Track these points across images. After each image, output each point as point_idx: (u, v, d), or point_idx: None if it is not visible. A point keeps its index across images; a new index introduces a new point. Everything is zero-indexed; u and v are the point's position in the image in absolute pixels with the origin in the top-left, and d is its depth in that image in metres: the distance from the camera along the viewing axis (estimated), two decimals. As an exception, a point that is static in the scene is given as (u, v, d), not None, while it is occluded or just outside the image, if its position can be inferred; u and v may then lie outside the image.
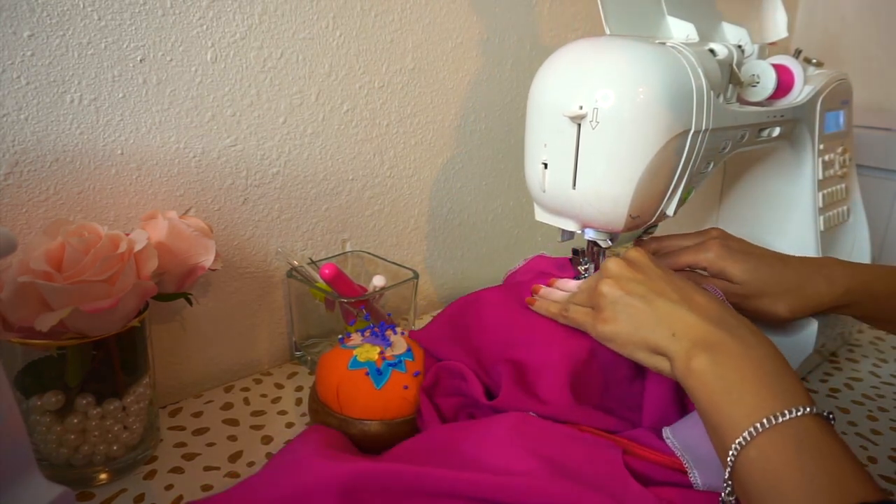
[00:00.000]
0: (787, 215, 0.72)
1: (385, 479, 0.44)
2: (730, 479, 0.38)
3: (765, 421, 0.37)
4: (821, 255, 0.70)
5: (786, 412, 0.37)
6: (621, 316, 0.47)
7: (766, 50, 0.64)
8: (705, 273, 0.59)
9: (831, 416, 0.39)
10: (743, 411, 0.38)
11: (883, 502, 0.33)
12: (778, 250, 0.61)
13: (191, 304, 0.56)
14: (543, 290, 0.58)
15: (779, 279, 0.57)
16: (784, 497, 0.35)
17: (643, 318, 0.46)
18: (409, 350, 0.56)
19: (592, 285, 0.51)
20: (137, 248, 0.48)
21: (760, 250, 0.59)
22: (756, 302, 0.57)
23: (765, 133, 0.62)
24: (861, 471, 0.35)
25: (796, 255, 0.60)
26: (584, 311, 0.51)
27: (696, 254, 0.59)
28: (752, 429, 0.37)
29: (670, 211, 0.54)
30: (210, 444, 0.55)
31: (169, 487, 0.50)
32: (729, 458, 0.38)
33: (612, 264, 0.50)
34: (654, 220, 0.55)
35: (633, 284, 0.48)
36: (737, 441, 0.37)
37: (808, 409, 0.37)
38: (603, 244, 0.57)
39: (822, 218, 0.70)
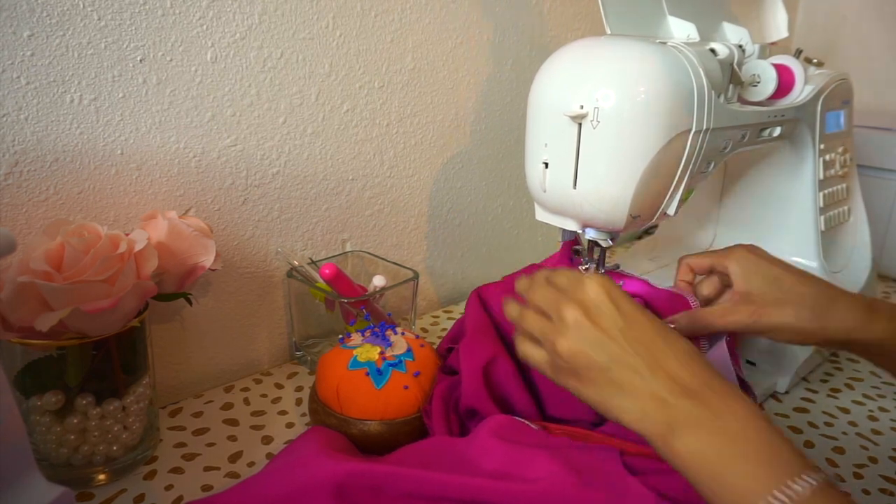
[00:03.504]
0: (787, 215, 0.72)
1: (381, 479, 0.44)
2: None
3: (784, 488, 0.33)
4: (821, 255, 0.70)
5: (783, 488, 0.33)
6: (584, 383, 0.41)
7: (767, 50, 0.64)
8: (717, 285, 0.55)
9: (835, 482, 0.36)
10: (752, 484, 0.34)
11: None
12: (778, 250, 0.61)
13: (191, 304, 0.56)
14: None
15: (805, 288, 0.51)
16: None
17: (606, 395, 0.40)
18: (409, 350, 0.56)
19: (547, 327, 0.43)
20: (137, 248, 0.47)
21: (788, 264, 0.53)
22: (778, 315, 0.50)
23: (765, 133, 0.62)
24: None
25: (795, 257, 0.60)
26: (542, 355, 0.44)
27: (719, 257, 0.54)
28: (771, 497, 0.33)
29: (671, 210, 0.54)
30: (210, 445, 0.55)
31: (169, 487, 0.50)
32: None
33: (569, 315, 0.42)
34: (654, 219, 0.55)
35: (593, 348, 0.41)
36: None
37: (806, 480, 0.34)
38: (604, 244, 0.57)
39: (822, 218, 0.70)
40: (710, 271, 0.55)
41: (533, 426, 0.50)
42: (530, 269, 0.70)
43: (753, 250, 0.54)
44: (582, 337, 0.41)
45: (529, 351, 0.45)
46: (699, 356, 0.41)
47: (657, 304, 0.55)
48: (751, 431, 0.36)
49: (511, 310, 0.47)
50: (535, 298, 0.45)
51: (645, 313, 0.42)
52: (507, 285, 0.60)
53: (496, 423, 0.49)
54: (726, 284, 0.54)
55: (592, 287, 0.43)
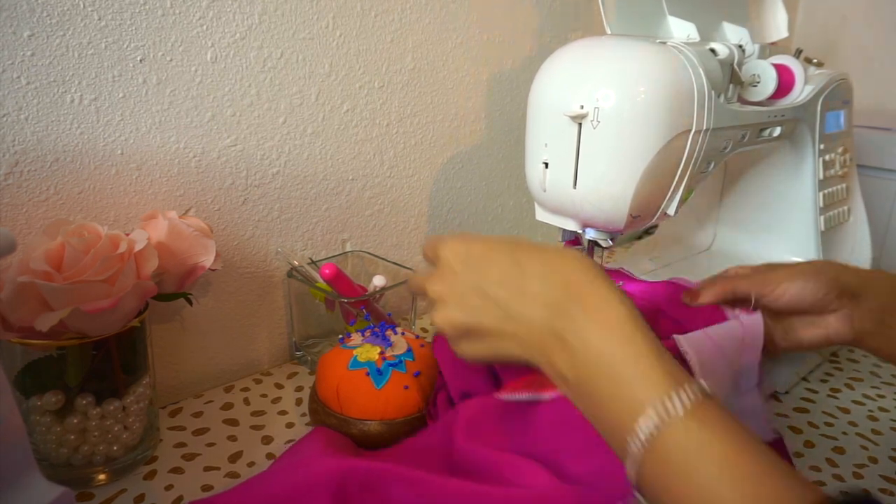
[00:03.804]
0: (787, 215, 0.72)
1: (379, 477, 0.43)
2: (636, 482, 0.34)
3: (649, 421, 0.32)
4: (821, 255, 0.70)
5: (667, 402, 0.32)
6: (469, 338, 0.41)
7: (767, 50, 0.64)
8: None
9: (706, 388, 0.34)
10: (625, 408, 0.34)
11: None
12: (778, 250, 0.61)
13: (191, 304, 0.56)
14: None
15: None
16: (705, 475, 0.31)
17: (488, 339, 0.40)
18: (409, 350, 0.56)
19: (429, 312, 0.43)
20: (137, 248, 0.47)
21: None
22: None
23: (765, 133, 0.62)
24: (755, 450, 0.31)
25: (795, 257, 0.60)
26: (454, 333, 0.43)
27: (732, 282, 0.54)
28: (638, 434, 0.32)
29: (671, 210, 0.54)
30: (210, 445, 0.55)
31: (169, 487, 0.50)
32: (630, 458, 0.33)
33: (430, 289, 0.42)
34: (654, 219, 0.55)
35: (454, 311, 0.41)
36: (631, 443, 0.33)
37: (688, 394, 0.33)
38: (604, 244, 0.57)
39: (822, 218, 0.70)
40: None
41: (526, 396, 0.49)
42: None
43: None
44: (444, 303, 0.41)
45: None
46: (555, 273, 0.39)
47: (656, 298, 0.55)
48: (617, 351, 0.35)
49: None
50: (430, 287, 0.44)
51: (495, 251, 0.41)
52: None
53: (469, 420, 0.48)
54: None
55: (443, 248, 0.42)
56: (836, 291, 0.51)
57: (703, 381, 0.34)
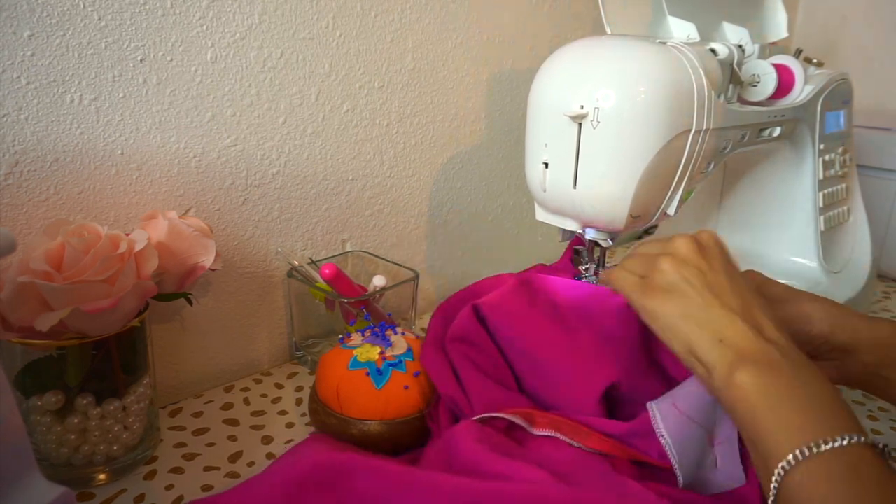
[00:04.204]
0: (787, 215, 0.72)
1: (365, 471, 0.43)
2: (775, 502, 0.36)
3: (812, 445, 0.34)
4: (821, 255, 0.70)
5: (837, 438, 0.34)
6: (673, 299, 0.43)
7: (767, 50, 0.64)
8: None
9: (886, 448, 0.36)
10: (788, 432, 0.35)
11: None
12: (778, 250, 0.61)
13: (191, 304, 0.56)
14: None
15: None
16: None
17: (693, 311, 0.42)
18: (409, 350, 0.56)
19: (652, 255, 0.46)
20: (137, 248, 0.47)
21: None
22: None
23: (765, 133, 0.62)
24: None
25: (795, 257, 0.59)
26: (633, 279, 0.47)
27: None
28: (798, 451, 0.34)
29: (671, 210, 0.54)
30: (210, 444, 0.55)
31: (169, 487, 0.50)
32: (773, 483, 0.35)
33: (679, 243, 0.46)
34: (654, 219, 0.55)
35: (694, 272, 0.44)
36: (781, 464, 0.35)
37: (861, 438, 0.34)
38: (604, 244, 0.57)
39: (822, 218, 0.70)
40: None
41: (517, 420, 0.49)
42: (538, 270, 0.70)
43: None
44: (688, 260, 0.44)
45: (616, 273, 0.48)
46: (784, 326, 0.43)
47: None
48: (821, 387, 0.38)
49: (606, 272, 0.50)
50: (641, 249, 0.49)
51: (742, 273, 0.45)
52: (508, 300, 0.56)
53: (473, 431, 0.47)
54: None
55: (705, 232, 0.47)
56: (826, 347, 0.49)
57: (871, 437, 0.36)
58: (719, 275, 0.44)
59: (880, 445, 0.35)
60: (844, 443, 0.34)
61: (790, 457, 0.35)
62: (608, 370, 0.50)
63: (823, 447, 0.34)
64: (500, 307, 0.55)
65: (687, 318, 0.42)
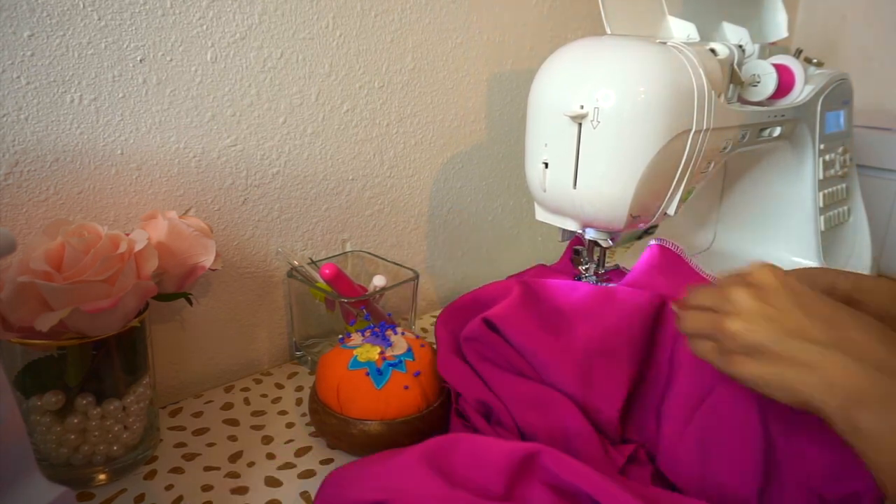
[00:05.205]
0: (787, 215, 0.72)
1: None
2: None
3: None
4: (821, 255, 0.70)
5: None
6: (759, 359, 0.39)
7: (767, 50, 0.64)
8: None
9: None
10: None
11: None
12: (778, 250, 0.61)
13: (191, 304, 0.56)
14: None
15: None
16: None
17: (786, 365, 0.38)
18: (409, 350, 0.56)
19: (715, 318, 0.42)
20: (137, 248, 0.47)
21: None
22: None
23: (765, 133, 0.62)
24: None
25: (795, 257, 0.59)
26: (710, 345, 0.43)
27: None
28: None
29: (671, 210, 0.54)
30: (210, 444, 0.55)
31: (169, 487, 0.50)
32: None
33: (739, 296, 0.41)
34: (654, 219, 0.55)
35: (764, 323, 0.39)
36: None
37: None
38: (604, 244, 0.57)
39: (822, 218, 0.70)
40: None
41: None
42: (539, 270, 0.70)
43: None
44: (754, 313, 0.40)
45: (696, 345, 0.44)
46: (888, 331, 0.39)
47: (658, 288, 0.54)
48: None
49: (679, 320, 0.46)
50: (698, 299, 0.44)
51: (817, 292, 0.41)
52: (517, 312, 0.55)
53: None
54: None
55: (758, 271, 0.42)
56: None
57: None
58: (794, 313, 0.39)
59: None
60: None
61: None
62: (622, 377, 0.50)
63: None
64: (509, 319, 0.54)
65: (779, 375, 0.38)
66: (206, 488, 0.50)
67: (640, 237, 0.82)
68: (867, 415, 0.35)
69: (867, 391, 0.35)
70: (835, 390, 0.36)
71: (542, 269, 0.71)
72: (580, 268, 0.60)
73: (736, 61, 0.56)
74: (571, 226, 0.56)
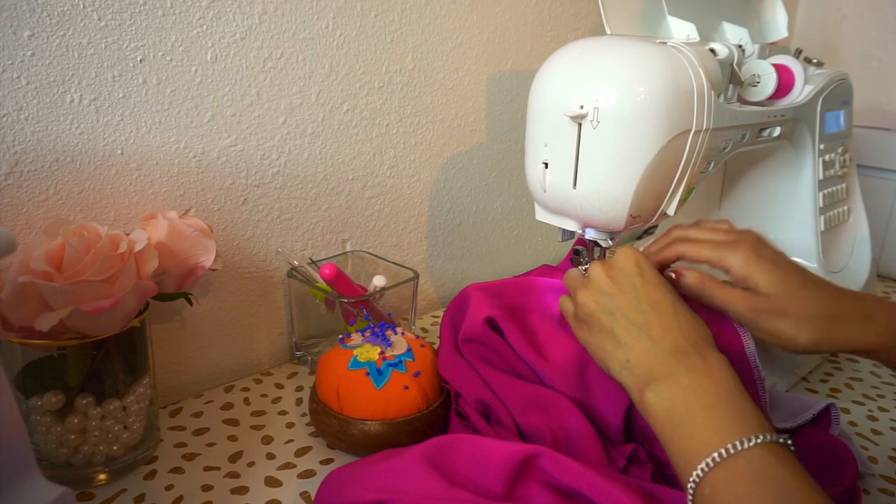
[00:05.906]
0: (787, 215, 0.72)
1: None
2: None
3: (716, 455, 0.36)
4: (821, 255, 0.70)
5: (737, 444, 0.36)
6: (589, 329, 0.46)
7: (767, 50, 0.64)
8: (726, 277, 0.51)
9: (789, 442, 0.37)
10: (693, 447, 0.37)
11: None
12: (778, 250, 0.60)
13: (191, 304, 0.56)
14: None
15: (808, 301, 0.47)
16: None
17: (606, 338, 0.45)
18: (409, 350, 0.56)
19: (576, 286, 0.49)
20: (137, 248, 0.47)
21: (795, 266, 0.49)
22: (777, 322, 0.47)
23: (765, 133, 0.62)
24: (822, 499, 0.34)
25: (795, 257, 0.59)
26: (571, 309, 0.50)
27: (720, 251, 0.49)
28: (703, 465, 0.36)
29: (671, 211, 0.54)
30: (210, 444, 0.55)
31: (169, 487, 0.50)
32: (689, 498, 0.37)
33: (593, 270, 0.48)
34: (654, 219, 0.55)
35: (605, 298, 0.46)
36: (691, 479, 0.36)
37: (760, 438, 0.36)
38: (604, 244, 0.57)
39: (822, 218, 0.70)
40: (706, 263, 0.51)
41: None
42: (544, 270, 0.71)
43: (758, 250, 0.48)
44: (597, 289, 0.46)
45: (564, 303, 0.51)
46: (703, 327, 0.44)
47: None
48: (721, 390, 0.39)
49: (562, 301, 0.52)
50: (573, 273, 0.52)
51: (666, 284, 0.46)
52: (519, 315, 0.57)
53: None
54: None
55: (621, 253, 0.48)
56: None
57: (772, 435, 0.37)
58: (626, 296, 0.45)
59: (781, 440, 0.37)
60: (744, 446, 0.36)
61: (698, 470, 0.36)
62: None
63: (725, 455, 0.36)
64: (512, 322, 0.55)
65: (601, 346, 0.45)
66: (206, 488, 0.50)
67: (639, 237, 0.82)
68: (650, 391, 0.40)
69: (657, 373, 0.41)
70: (632, 370, 0.42)
71: (547, 269, 0.71)
72: (581, 268, 0.60)
73: (736, 61, 0.56)
74: (571, 226, 0.56)
